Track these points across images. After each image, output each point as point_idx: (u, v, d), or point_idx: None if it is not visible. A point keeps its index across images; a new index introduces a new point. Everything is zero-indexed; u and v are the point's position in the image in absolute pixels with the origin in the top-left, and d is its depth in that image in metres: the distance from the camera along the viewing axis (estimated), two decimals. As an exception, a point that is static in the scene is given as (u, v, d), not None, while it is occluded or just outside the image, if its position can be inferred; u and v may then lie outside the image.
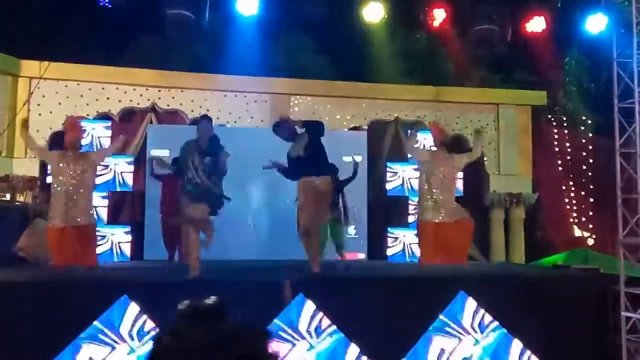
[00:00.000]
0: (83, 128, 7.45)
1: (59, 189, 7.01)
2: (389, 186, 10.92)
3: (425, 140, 10.74)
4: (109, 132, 10.10)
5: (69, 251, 6.94)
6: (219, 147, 6.54)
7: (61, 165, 7.01)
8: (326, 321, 5.66)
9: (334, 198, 8.78)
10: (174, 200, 8.74)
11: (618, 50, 7.17)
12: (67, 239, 6.89)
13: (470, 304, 5.98)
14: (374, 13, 9.09)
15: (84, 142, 7.68)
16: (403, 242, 10.67)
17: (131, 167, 10.23)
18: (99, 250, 8.54)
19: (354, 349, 5.64)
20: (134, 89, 10.30)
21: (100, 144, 9.90)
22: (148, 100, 10.36)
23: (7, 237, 8.00)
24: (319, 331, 5.64)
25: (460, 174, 9.66)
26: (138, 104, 10.36)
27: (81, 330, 5.22)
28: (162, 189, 9.14)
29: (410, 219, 10.76)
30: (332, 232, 8.76)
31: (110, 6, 8.46)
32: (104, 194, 10.04)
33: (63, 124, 7.98)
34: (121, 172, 10.18)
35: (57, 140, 9.93)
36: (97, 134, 10.03)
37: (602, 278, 6.92)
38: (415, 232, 8.56)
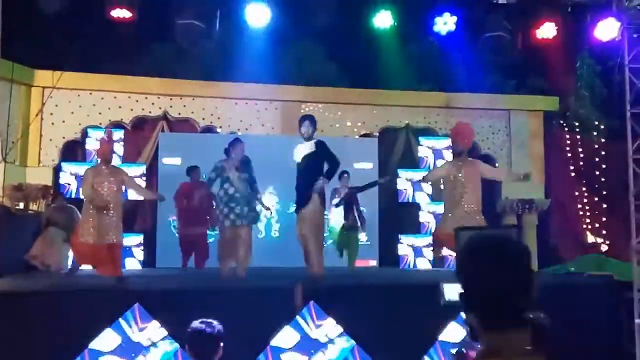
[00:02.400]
0: (113, 138, 7.55)
1: (92, 205, 6.78)
2: (400, 194, 10.90)
3: (435, 145, 10.77)
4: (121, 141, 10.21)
5: (96, 263, 6.94)
6: (251, 166, 7.23)
7: (96, 180, 6.81)
8: (337, 328, 5.65)
9: (350, 205, 8.85)
10: (193, 209, 8.72)
11: (630, 56, 7.13)
12: (97, 255, 6.77)
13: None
14: (384, 20, 9.08)
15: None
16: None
17: (143, 176, 10.28)
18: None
19: (366, 357, 5.62)
20: (146, 98, 10.38)
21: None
22: (160, 108, 10.43)
23: (20, 246, 8.06)
24: (329, 338, 5.62)
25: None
26: (150, 112, 10.44)
27: (93, 338, 5.24)
28: (179, 198, 9.04)
29: (422, 226, 10.74)
30: (347, 241, 8.78)
31: (121, 17, 8.52)
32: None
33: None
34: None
35: (70, 149, 10.03)
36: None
37: (616, 285, 6.85)
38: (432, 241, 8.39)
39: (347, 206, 8.83)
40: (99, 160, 7.28)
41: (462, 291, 1.56)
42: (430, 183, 9.91)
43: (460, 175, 7.18)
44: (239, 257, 7.04)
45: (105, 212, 6.73)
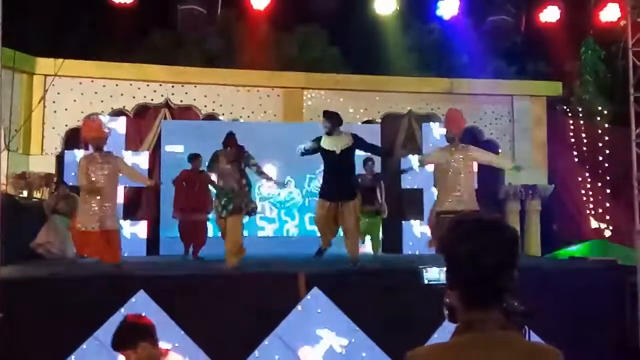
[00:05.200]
0: (105, 127, 7.48)
1: (89, 190, 6.89)
2: (403, 179, 10.87)
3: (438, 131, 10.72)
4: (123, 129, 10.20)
5: (96, 251, 6.98)
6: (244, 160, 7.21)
7: (90, 168, 6.89)
8: (341, 314, 5.66)
9: (374, 191, 8.92)
10: (191, 196, 8.79)
11: (633, 39, 7.08)
12: (96, 242, 6.85)
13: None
14: (386, 5, 9.02)
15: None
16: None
17: (146, 163, 10.29)
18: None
19: (369, 343, 5.64)
20: (148, 85, 10.36)
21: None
22: (162, 96, 10.41)
23: (24, 234, 8.08)
24: (333, 325, 5.64)
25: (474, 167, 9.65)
26: (152, 100, 10.42)
27: (98, 325, 5.26)
28: (178, 184, 9.12)
29: (425, 212, 10.72)
30: (369, 226, 8.84)
31: (123, 3, 8.48)
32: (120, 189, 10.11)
33: (82, 126, 8.05)
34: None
35: (72, 137, 10.03)
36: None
37: (620, 270, 6.86)
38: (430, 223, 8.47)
39: (372, 192, 8.88)
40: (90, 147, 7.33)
41: (447, 269, 1.61)
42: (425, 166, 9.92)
43: (453, 161, 7.38)
44: (226, 248, 6.98)
45: (99, 199, 6.80)
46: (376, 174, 9.12)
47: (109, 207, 6.91)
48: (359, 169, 8.92)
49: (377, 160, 10.25)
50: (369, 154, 8.25)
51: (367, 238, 9.13)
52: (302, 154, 7.13)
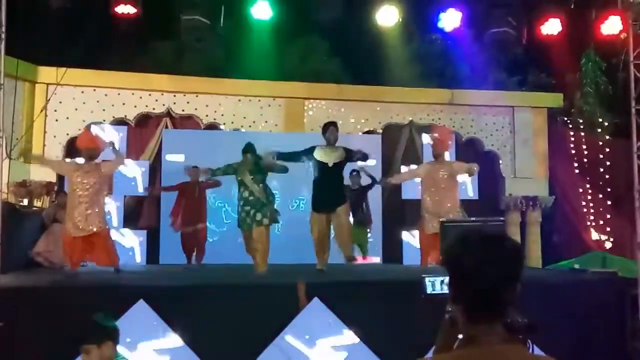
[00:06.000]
0: (100, 139, 7.63)
1: (74, 198, 7.16)
2: (404, 190, 10.87)
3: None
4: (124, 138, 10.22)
5: (83, 256, 7.19)
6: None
7: (76, 175, 7.15)
8: (342, 325, 5.64)
9: (360, 203, 9.08)
10: (190, 207, 8.85)
11: (635, 52, 7.11)
12: (82, 245, 7.08)
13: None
14: (388, 16, 9.05)
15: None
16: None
17: (147, 172, 10.30)
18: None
19: (370, 355, 5.61)
20: (150, 94, 10.37)
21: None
22: (163, 105, 10.42)
23: (25, 242, 8.07)
24: (333, 335, 5.62)
25: (473, 178, 9.71)
26: (153, 109, 10.43)
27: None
28: (177, 196, 9.13)
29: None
30: (356, 235, 8.92)
31: (126, 13, 8.52)
32: (120, 198, 10.12)
33: (78, 137, 8.13)
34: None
35: (74, 146, 10.04)
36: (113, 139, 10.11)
37: (620, 282, 6.84)
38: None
39: (357, 204, 9.00)
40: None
41: (450, 283, 1.61)
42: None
43: (439, 176, 7.81)
44: (256, 257, 7.38)
45: (85, 206, 7.02)
46: (363, 186, 9.32)
47: (96, 212, 7.12)
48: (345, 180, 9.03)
49: (378, 172, 10.28)
50: (358, 164, 8.41)
51: (356, 247, 9.23)
52: (279, 157, 7.21)
